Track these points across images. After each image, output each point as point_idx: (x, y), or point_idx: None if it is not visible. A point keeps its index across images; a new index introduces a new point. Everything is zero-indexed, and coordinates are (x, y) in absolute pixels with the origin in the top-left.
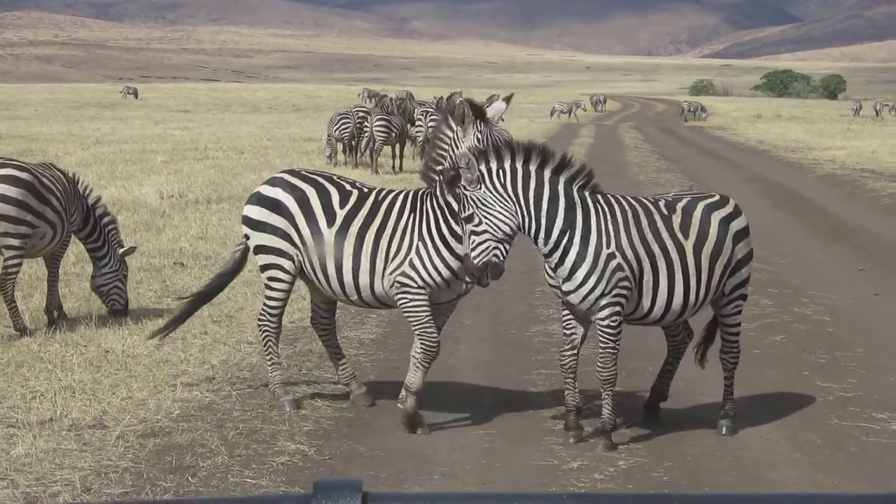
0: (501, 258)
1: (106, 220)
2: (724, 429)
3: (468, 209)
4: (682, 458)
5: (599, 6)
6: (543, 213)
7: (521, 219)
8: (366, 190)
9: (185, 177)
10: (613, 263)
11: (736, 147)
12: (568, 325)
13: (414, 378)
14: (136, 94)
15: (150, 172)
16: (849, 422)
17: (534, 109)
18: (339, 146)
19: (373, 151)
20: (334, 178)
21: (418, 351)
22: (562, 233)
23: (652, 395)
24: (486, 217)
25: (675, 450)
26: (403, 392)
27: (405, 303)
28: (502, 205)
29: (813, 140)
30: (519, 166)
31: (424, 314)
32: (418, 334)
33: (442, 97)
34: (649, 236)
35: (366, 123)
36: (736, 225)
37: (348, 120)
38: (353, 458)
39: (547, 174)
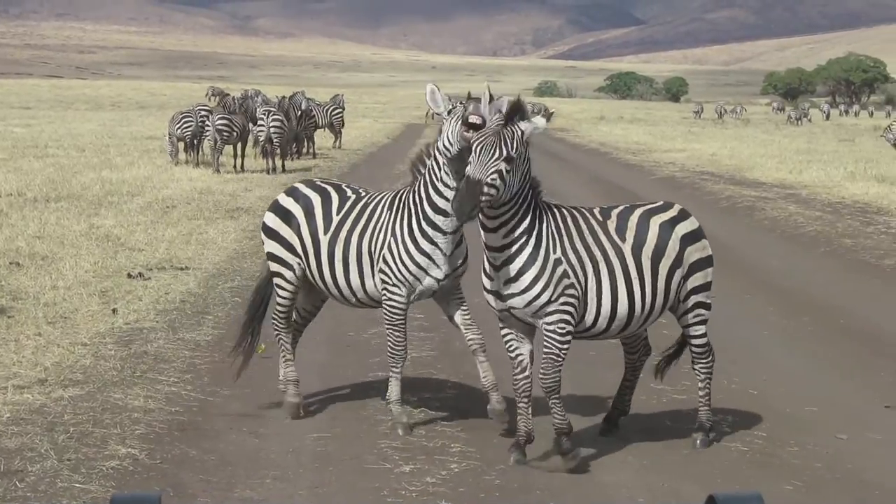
0: (487, 203)
1: None
2: (697, 441)
3: (515, 151)
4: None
5: (444, 6)
6: (525, 204)
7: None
8: (362, 194)
9: (24, 175)
10: (560, 269)
11: (578, 148)
12: (510, 345)
13: (391, 388)
14: None
15: None
16: (681, 424)
17: (378, 109)
18: (181, 145)
19: (214, 150)
20: (343, 186)
21: (387, 352)
22: (525, 230)
23: (612, 410)
24: (518, 172)
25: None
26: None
27: (385, 299)
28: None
29: (654, 142)
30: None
31: (396, 313)
32: (386, 332)
33: (284, 97)
34: (589, 241)
35: (208, 122)
36: (682, 228)
37: (190, 118)
38: (184, 463)
39: None
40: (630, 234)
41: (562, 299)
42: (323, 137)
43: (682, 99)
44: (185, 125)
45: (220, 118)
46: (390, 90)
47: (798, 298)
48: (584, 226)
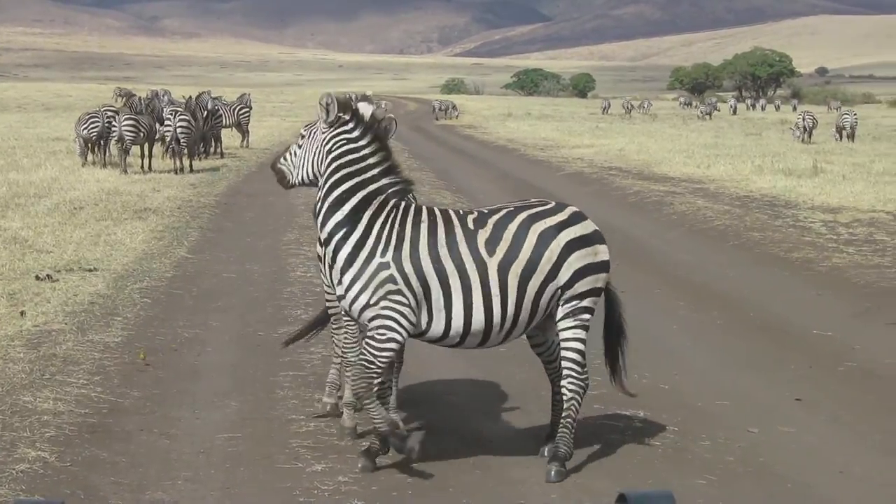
0: (289, 179)
1: None
2: (552, 472)
3: (305, 128)
4: (427, 457)
5: (351, 5)
6: (331, 197)
7: (318, 178)
8: None
9: None
10: (384, 274)
11: (486, 145)
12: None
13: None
14: None
15: None
16: (594, 419)
17: (286, 108)
18: (88, 146)
19: (122, 151)
20: None
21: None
22: (338, 225)
23: (553, 430)
24: (304, 147)
25: (421, 450)
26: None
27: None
28: (312, 154)
29: (562, 138)
30: (362, 142)
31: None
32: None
33: (191, 97)
34: (442, 253)
35: (114, 123)
36: (570, 234)
37: (97, 119)
38: (95, 465)
39: (372, 172)
40: (501, 249)
41: (382, 303)
42: (230, 137)
43: (589, 95)
44: (92, 126)
45: (126, 119)
46: (297, 89)
47: (707, 292)
48: (442, 236)
